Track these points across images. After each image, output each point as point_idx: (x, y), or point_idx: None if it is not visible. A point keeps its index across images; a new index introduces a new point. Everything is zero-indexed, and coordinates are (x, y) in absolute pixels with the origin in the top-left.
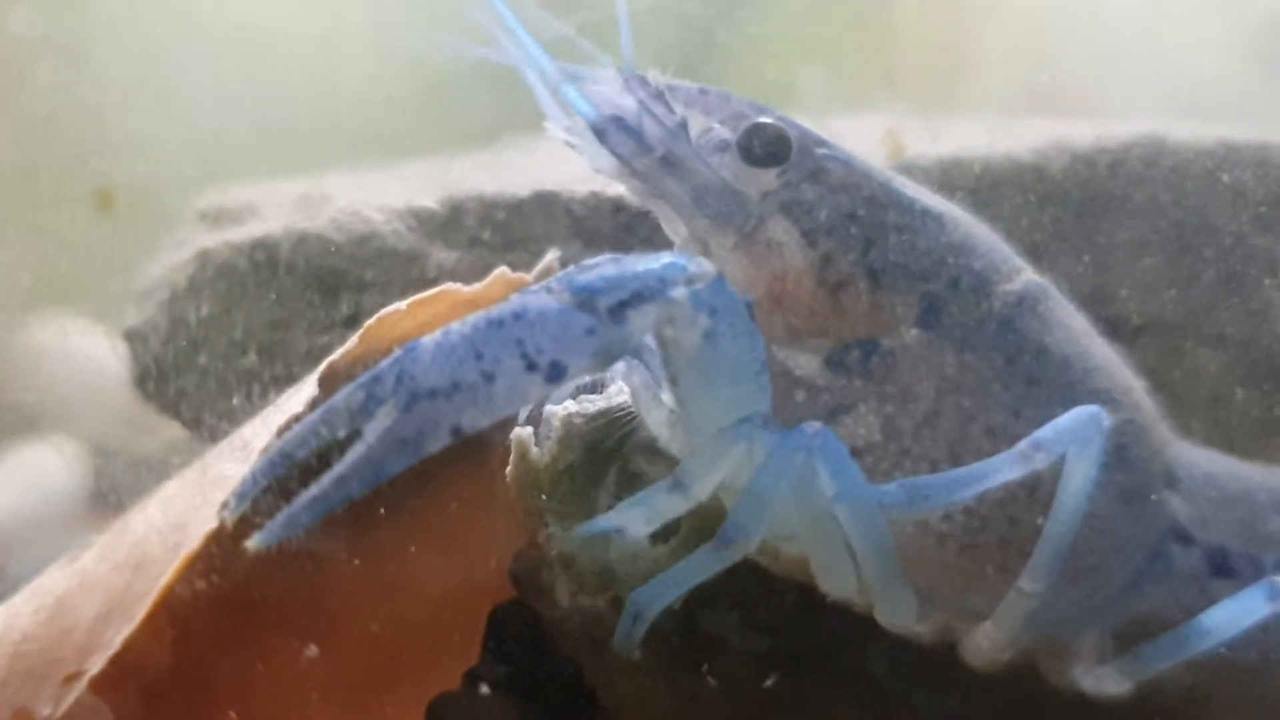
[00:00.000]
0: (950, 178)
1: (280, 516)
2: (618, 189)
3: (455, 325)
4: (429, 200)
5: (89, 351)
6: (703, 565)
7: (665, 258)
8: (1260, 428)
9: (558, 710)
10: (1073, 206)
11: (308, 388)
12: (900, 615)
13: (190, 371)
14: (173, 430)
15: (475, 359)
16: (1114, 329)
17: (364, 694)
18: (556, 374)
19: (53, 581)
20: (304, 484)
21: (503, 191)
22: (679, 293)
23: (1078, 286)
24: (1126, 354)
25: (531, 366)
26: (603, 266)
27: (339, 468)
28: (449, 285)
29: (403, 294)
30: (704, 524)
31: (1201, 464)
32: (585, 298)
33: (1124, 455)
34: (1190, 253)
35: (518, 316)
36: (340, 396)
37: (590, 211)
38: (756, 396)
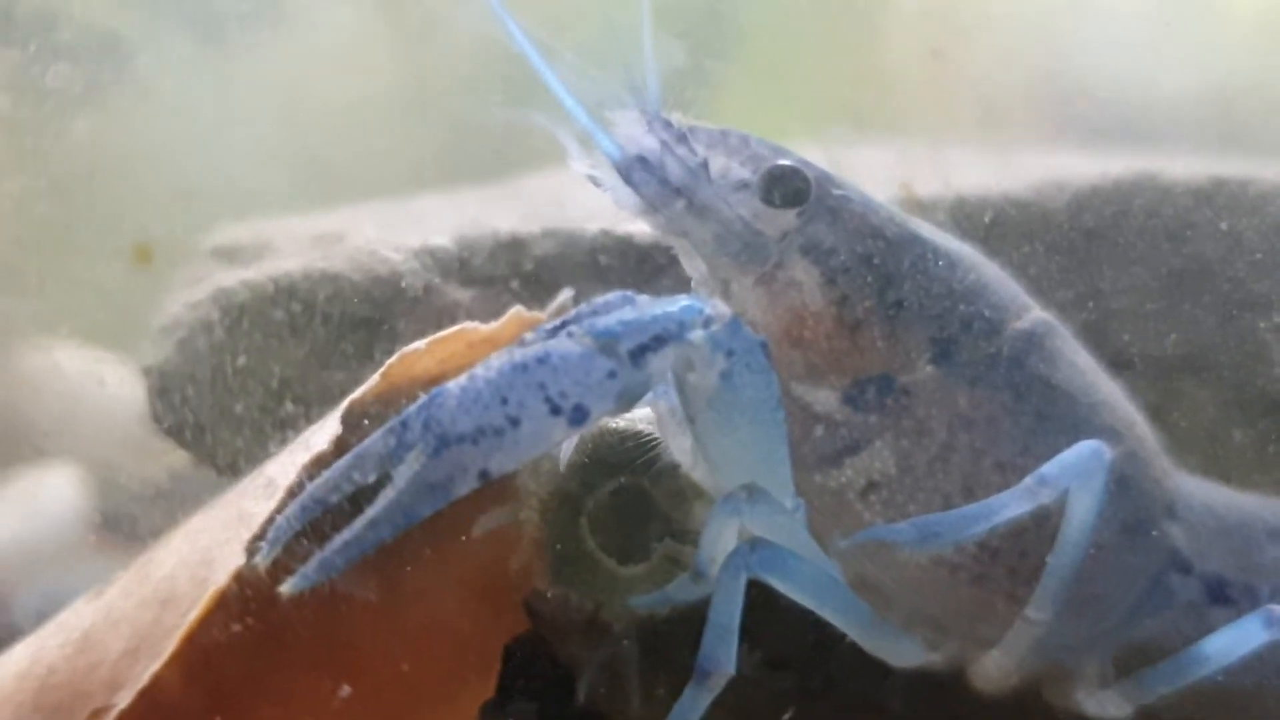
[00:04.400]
0: (957, 221)
1: (314, 561)
2: (628, 227)
3: (479, 370)
4: (443, 239)
5: (96, 379)
6: (694, 704)
7: (682, 301)
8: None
9: None
10: (1070, 246)
11: (330, 426)
12: (909, 658)
13: (207, 409)
14: (179, 458)
15: (500, 404)
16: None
17: None
18: (580, 417)
19: (78, 616)
20: (333, 525)
21: (516, 230)
22: (697, 335)
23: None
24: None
25: (556, 410)
26: (622, 310)
27: (370, 512)
28: (466, 324)
29: (419, 332)
30: (676, 549)
31: (1199, 495)
32: (606, 342)
33: (1126, 487)
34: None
35: (541, 361)
36: (369, 442)
37: (601, 249)
38: (773, 437)
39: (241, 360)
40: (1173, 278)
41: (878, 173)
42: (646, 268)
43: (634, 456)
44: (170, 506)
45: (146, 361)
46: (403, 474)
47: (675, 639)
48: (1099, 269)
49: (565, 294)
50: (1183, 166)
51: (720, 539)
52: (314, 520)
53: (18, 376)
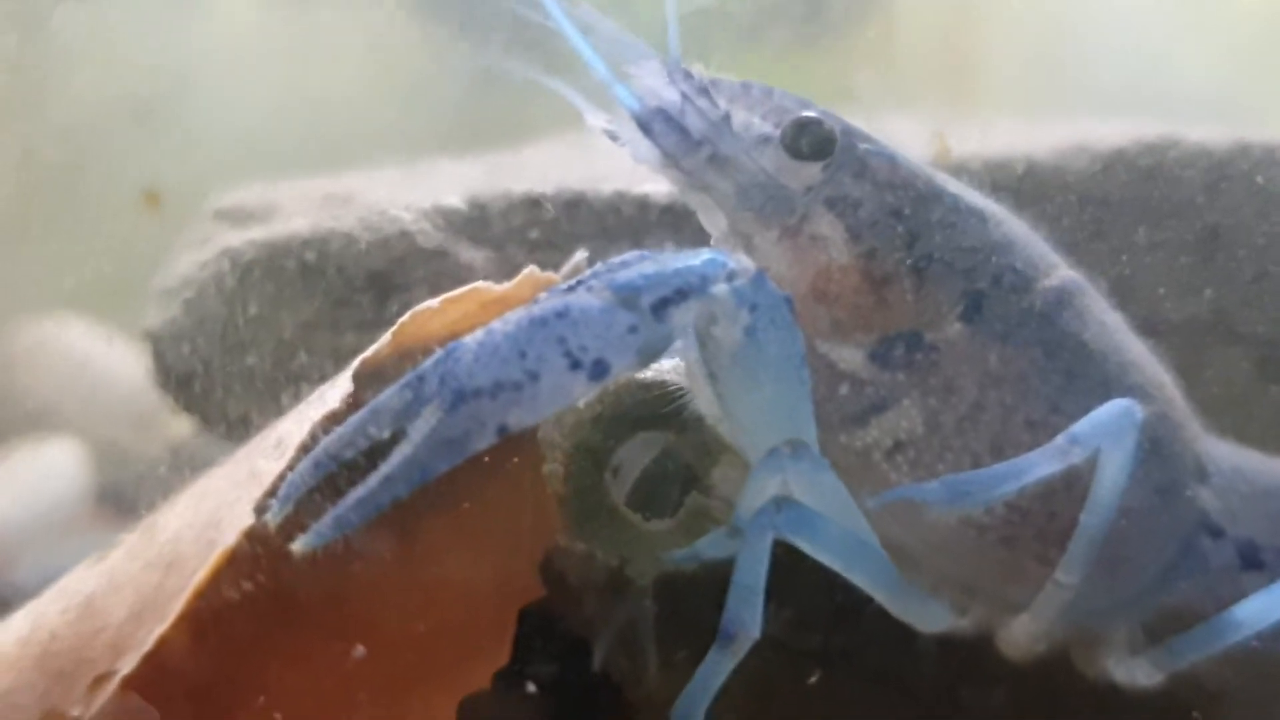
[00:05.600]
0: (995, 179)
1: (327, 518)
2: (643, 188)
3: (497, 324)
4: (455, 199)
5: (92, 351)
6: (717, 665)
7: (705, 254)
8: None
9: (586, 708)
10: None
11: (342, 385)
12: (936, 622)
13: (214, 370)
14: (179, 430)
15: (519, 358)
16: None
17: (397, 694)
18: (600, 372)
19: (79, 581)
20: (347, 482)
21: (529, 190)
22: (720, 289)
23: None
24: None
25: (575, 365)
26: (642, 264)
27: (385, 468)
28: (479, 284)
29: (431, 293)
30: (704, 503)
31: (1230, 458)
32: (627, 295)
33: (1156, 449)
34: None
35: (560, 315)
36: (384, 397)
37: (615, 210)
38: (797, 395)
39: (249, 320)
40: (1203, 237)
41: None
42: (662, 228)
43: (660, 409)
44: (170, 479)
45: (150, 324)
46: (419, 429)
47: (696, 601)
48: (1127, 231)
49: (580, 255)
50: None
51: (761, 494)
52: (327, 477)
53: (17, 347)
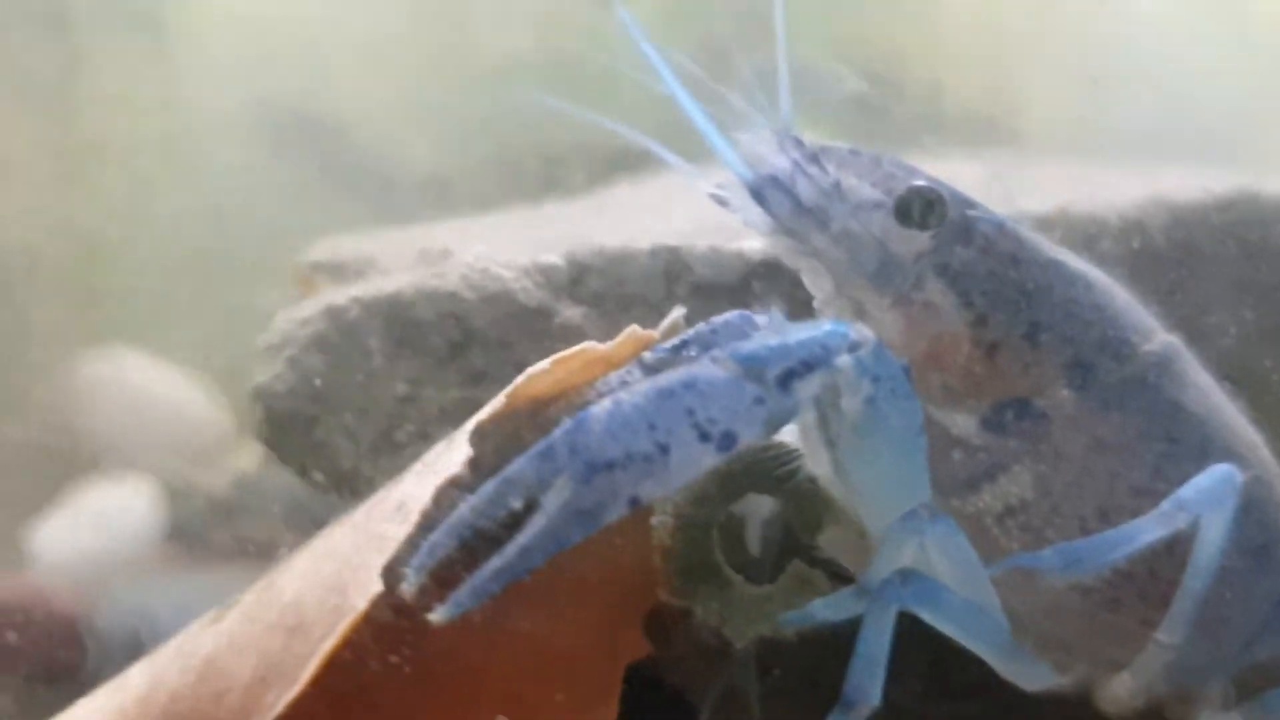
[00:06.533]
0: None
1: (465, 587)
2: (737, 244)
3: (623, 395)
4: (553, 256)
5: (151, 386)
6: None
7: (826, 325)
8: None
9: None
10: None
11: (459, 447)
12: (1040, 681)
13: (321, 428)
14: (243, 461)
15: (649, 429)
16: None
17: None
18: (728, 444)
19: (195, 642)
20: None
21: (625, 246)
22: (844, 361)
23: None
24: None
25: (704, 437)
26: (763, 336)
27: (522, 539)
28: (587, 344)
29: (533, 351)
30: (807, 571)
31: None
32: (753, 367)
33: (1252, 511)
34: None
35: (688, 387)
36: (515, 468)
37: (710, 266)
38: (915, 463)
39: (355, 378)
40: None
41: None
42: (759, 285)
43: (774, 470)
44: (237, 518)
45: (258, 380)
46: (552, 500)
47: (798, 666)
48: (1203, 286)
49: (677, 312)
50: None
51: (897, 555)
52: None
53: (76, 382)
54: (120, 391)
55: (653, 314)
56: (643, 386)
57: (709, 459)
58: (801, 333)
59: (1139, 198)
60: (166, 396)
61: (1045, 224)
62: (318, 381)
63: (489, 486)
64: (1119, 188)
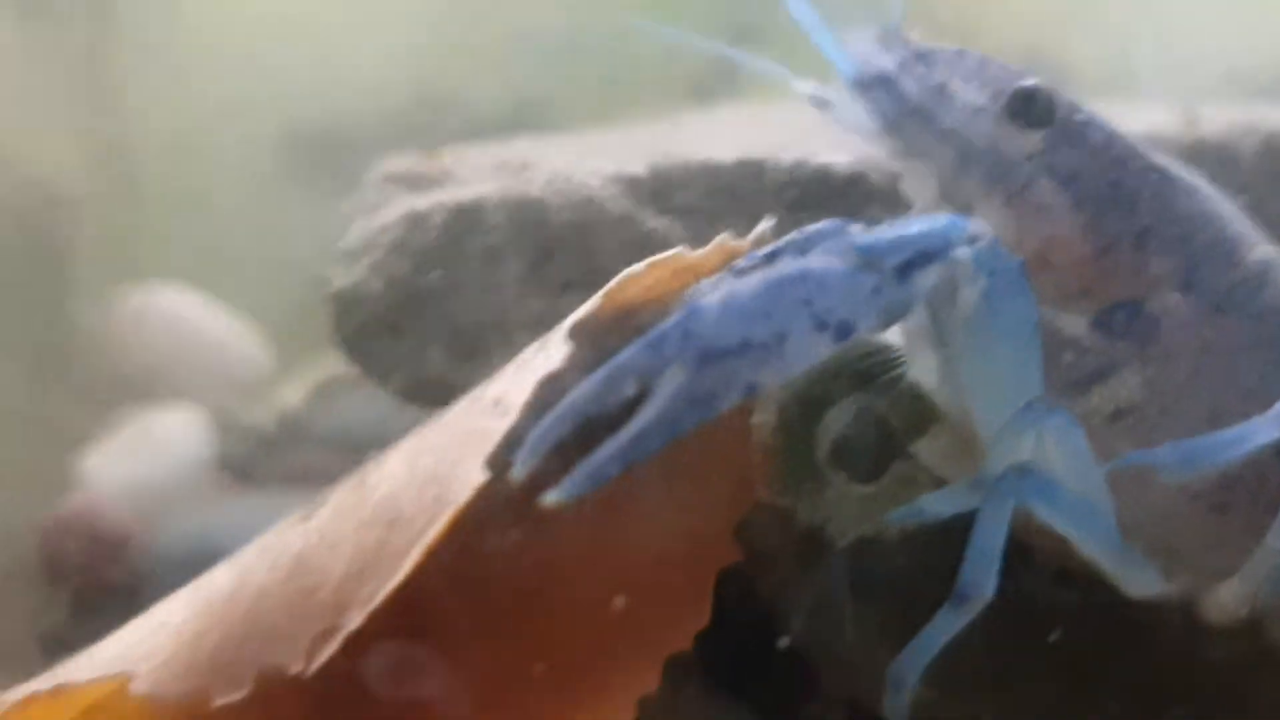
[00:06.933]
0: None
1: (582, 470)
2: (823, 158)
3: (737, 285)
4: (637, 167)
5: (195, 319)
6: (946, 624)
7: (943, 218)
8: None
9: (777, 684)
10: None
11: (556, 346)
12: (1148, 587)
13: (406, 334)
14: (289, 396)
15: (765, 318)
16: None
17: (605, 655)
18: (845, 333)
19: (284, 539)
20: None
21: (709, 159)
22: (962, 252)
23: None
24: None
25: (821, 326)
26: (881, 227)
27: (638, 424)
28: (679, 249)
29: (619, 258)
30: (911, 469)
31: None
32: (871, 258)
33: None
34: None
35: (804, 276)
36: (625, 356)
37: (795, 180)
38: (1029, 361)
39: (440, 283)
40: None
41: None
42: (845, 200)
43: (878, 371)
44: (283, 451)
45: (337, 285)
46: (666, 387)
47: (895, 568)
48: None
49: (765, 223)
50: None
51: (1014, 448)
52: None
53: (129, 317)
54: (167, 325)
55: (738, 225)
56: (756, 276)
57: (825, 348)
58: (919, 224)
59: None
60: (213, 331)
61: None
62: (399, 287)
63: (599, 374)
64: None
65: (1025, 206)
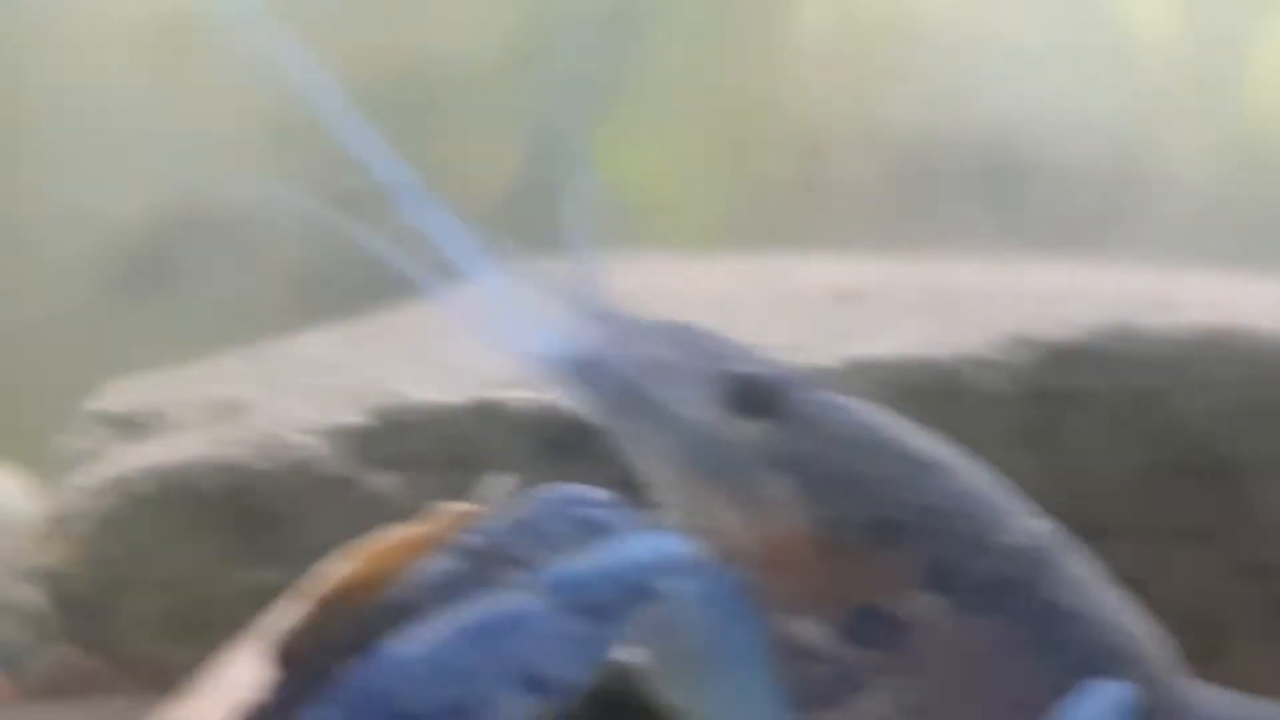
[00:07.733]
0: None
1: None
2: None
3: (427, 634)
4: (355, 416)
5: None
6: None
7: (656, 542)
8: None
9: None
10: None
11: (248, 666)
12: None
13: (120, 611)
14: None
15: (462, 679)
16: None
17: None
18: (558, 691)
19: None
20: None
21: (434, 401)
22: (672, 585)
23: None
24: None
25: (523, 685)
26: (588, 557)
27: None
28: (393, 526)
29: (338, 526)
30: None
31: (1209, 705)
32: (573, 600)
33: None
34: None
35: (499, 632)
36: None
37: (531, 423)
38: (761, 685)
39: (151, 557)
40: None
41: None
42: (597, 443)
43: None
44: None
45: (48, 560)
46: None
47: None
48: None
49: (494, 479)
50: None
51: None
52: None
53: None
54: None
55: (472, 477)
56: (449, 628)
57: (532, 709)
58: (625, 553)
59: None
60: None
61: None
62: (112, 562)
63: None
64: None
65: (750, 503)
